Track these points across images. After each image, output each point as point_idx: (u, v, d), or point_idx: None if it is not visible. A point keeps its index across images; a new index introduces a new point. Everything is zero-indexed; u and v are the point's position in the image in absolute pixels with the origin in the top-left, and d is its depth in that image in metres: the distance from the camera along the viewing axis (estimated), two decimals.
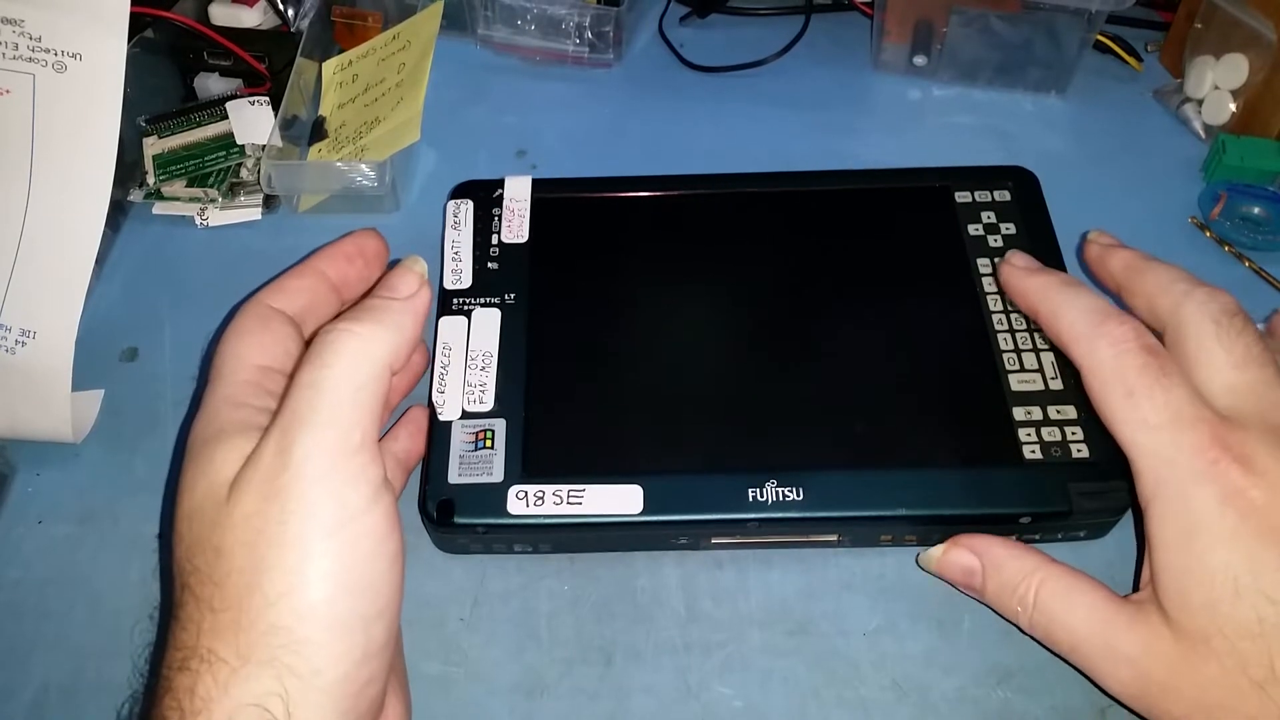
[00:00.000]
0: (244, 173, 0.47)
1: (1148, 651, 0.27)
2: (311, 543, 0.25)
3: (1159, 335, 0.31)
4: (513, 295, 0.38)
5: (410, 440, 0.35)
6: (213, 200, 0.46)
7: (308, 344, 0.30)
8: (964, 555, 0.32)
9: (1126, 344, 0.29)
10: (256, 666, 0.24)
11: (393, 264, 0.33)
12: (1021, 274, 0.35)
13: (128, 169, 0.47)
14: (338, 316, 0.29)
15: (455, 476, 0.34)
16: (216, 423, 0.28)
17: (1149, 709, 0.28)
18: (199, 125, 0.48)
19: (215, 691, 0.24)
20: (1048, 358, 0.36)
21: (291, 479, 0.26)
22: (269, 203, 0.47)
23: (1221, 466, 0.27)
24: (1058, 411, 0.34)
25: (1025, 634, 0.31)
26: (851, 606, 0.34)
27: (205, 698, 0.24)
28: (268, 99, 0.48)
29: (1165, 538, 0.28)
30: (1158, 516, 0.28)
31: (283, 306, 0.31)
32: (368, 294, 0.32)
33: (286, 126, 0.46)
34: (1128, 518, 0.34)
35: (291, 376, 0.28)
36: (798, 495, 0.33)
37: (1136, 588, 0.30)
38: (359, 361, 0.28)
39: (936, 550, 0.33)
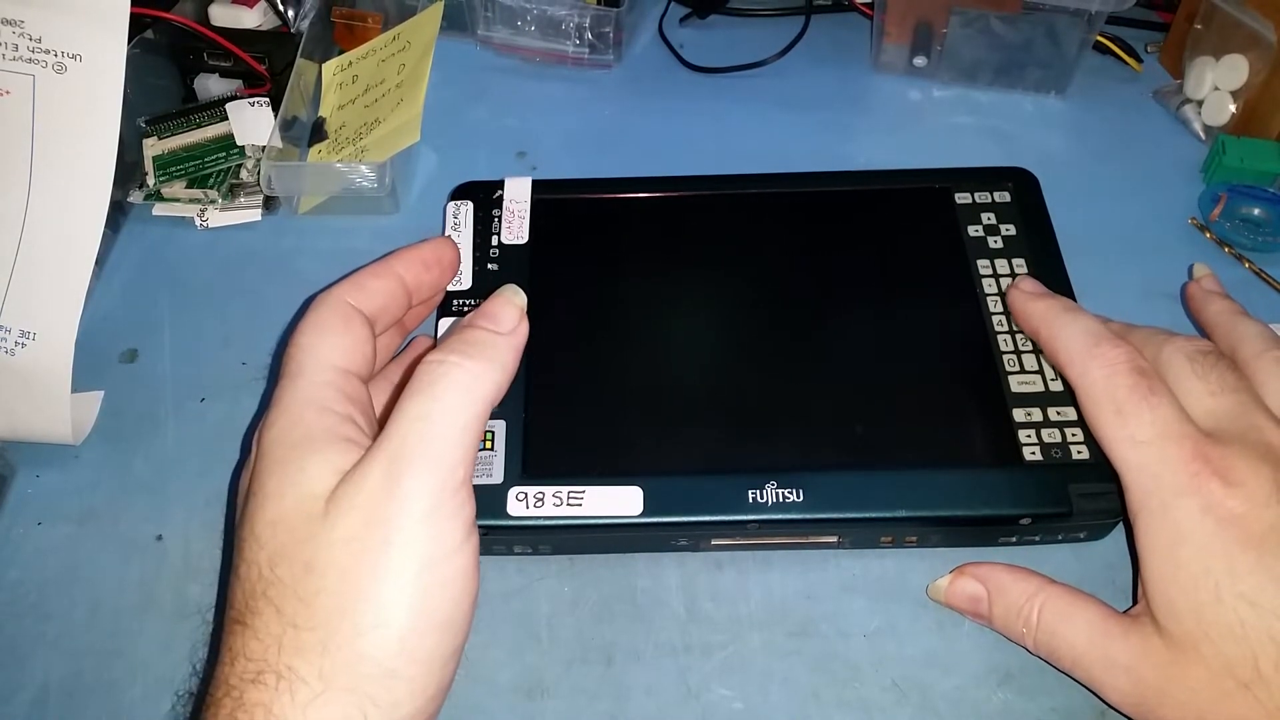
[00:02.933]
0: (244, 174, 0.47)
1: (1142, 659, 0.28)
2: (408, 576, 0.25)
3: None
4: None
5: None
6: (213, 201, 0.46)
7: (413, 370, 0.29)
8: (969, 584, 0.33)
9: (1117, 365, 0.31)
10: (340, 693, 0.24)
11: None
12: (1026, 298, 0.36)
13: (128, 170, 0.47)
14: (439, 346, 0.29)
15: None
16: (302, 427, 0.28)
17: (1145, 717, 0.29)
18: (199, 126, 0.48)
19: (292, 711, 0.24)
20: None
21: (397, 511, 0.26)
22: (269, 204, 0.47)
23: (1203, 479, 0.28)
24: (1058, 413, 0.34)
25: (1032, 654, 0.32)
26: (852, 608, 0.34)
27: (281, 716, 0.24)
28: (268, 100, 0.48)
29: (1152, 547, 0.29)
30: (1144, 528, 0.29)
31: (361, 305, 0.31)
32: (455, 318, 0.32)
33: (286, 127, 0.46)
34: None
35: (394, 399, 0.28)
36: (798, 496, 0.33)
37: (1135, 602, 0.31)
38: (469, 399, 0.28)
39: (943, 581, 0.33)
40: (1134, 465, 0.29)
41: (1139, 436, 0.29)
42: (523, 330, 0.30)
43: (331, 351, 0.30)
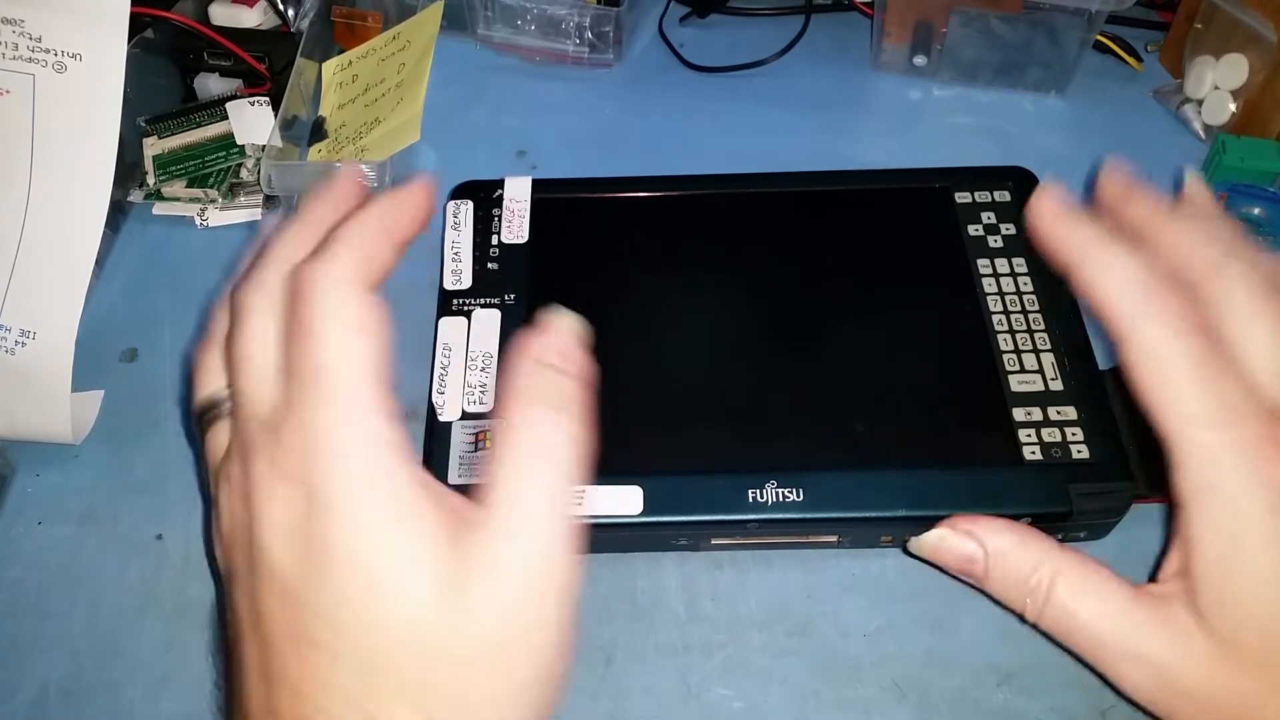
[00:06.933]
0: (244, 173, 0.47)
1: (1178, 656, 0.25)
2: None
3: None
4: (513, 296, 0.38)
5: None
6: (213, 201, 0.46)
7: None
8: (964, 542, 0.29)
9: (1176, 326, 0.25)
10: None
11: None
12: (1055, 222, 0.27)
13: (128, 169, 0.47)
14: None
15: (455, 477, 0.34)
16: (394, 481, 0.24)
17: (1168, 713, 0.26)
18: (199, 125, 0.48)
19: None
20: (1048, 358, 0.36)
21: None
22: (269, 203, 0.47)
23: (1272, 468, 0.24)
24: (1058, 412, 0.34)
25: (1030, 627, 0.28)
26: (851, 607, 0.34)
27: None
28: (268, 99, 0.48)
29: (1207, 538, 0.25)
30: (1200, 516, 0.25)
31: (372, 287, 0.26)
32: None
33: (286, 127, 0.46)
34: (1128, 519, 0.34)
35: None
36: (797, 496, 0.33)
37: (1153, 578, 0.28)
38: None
39: (931, 536, 0.29)
40: (1192, 445, 0.25)
41: (1199, 414, 0.25)
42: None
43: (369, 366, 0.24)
